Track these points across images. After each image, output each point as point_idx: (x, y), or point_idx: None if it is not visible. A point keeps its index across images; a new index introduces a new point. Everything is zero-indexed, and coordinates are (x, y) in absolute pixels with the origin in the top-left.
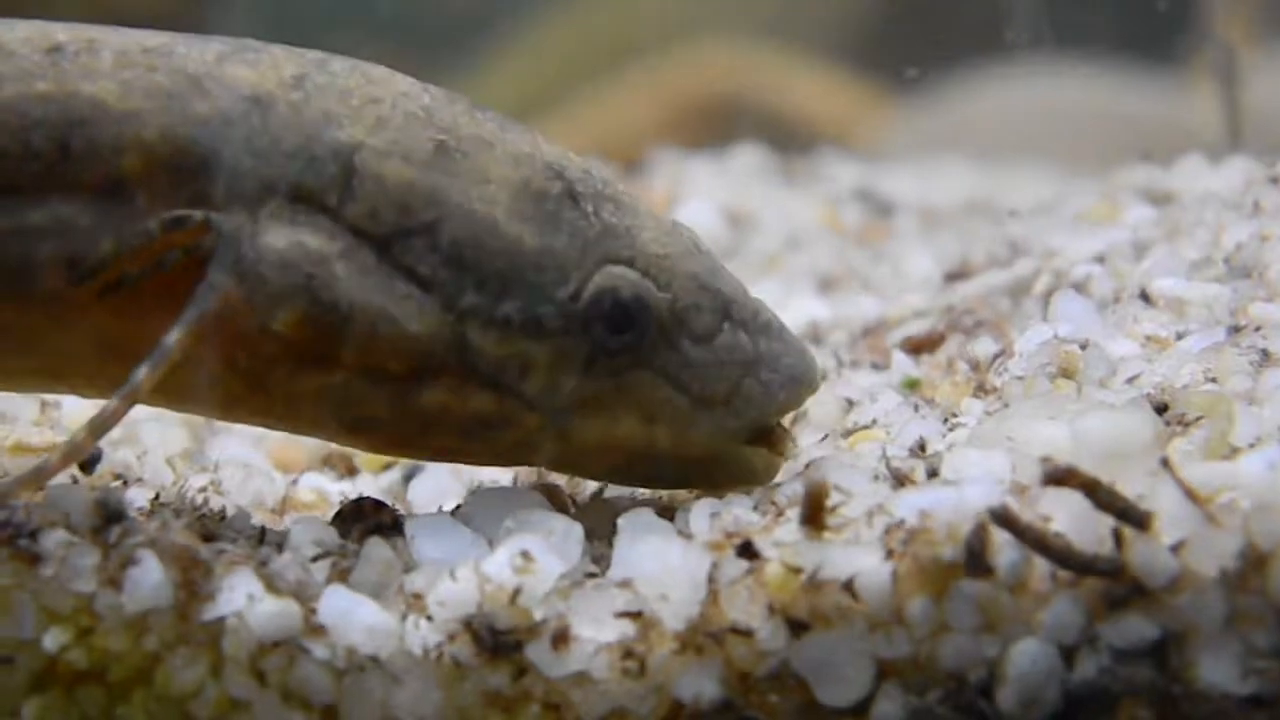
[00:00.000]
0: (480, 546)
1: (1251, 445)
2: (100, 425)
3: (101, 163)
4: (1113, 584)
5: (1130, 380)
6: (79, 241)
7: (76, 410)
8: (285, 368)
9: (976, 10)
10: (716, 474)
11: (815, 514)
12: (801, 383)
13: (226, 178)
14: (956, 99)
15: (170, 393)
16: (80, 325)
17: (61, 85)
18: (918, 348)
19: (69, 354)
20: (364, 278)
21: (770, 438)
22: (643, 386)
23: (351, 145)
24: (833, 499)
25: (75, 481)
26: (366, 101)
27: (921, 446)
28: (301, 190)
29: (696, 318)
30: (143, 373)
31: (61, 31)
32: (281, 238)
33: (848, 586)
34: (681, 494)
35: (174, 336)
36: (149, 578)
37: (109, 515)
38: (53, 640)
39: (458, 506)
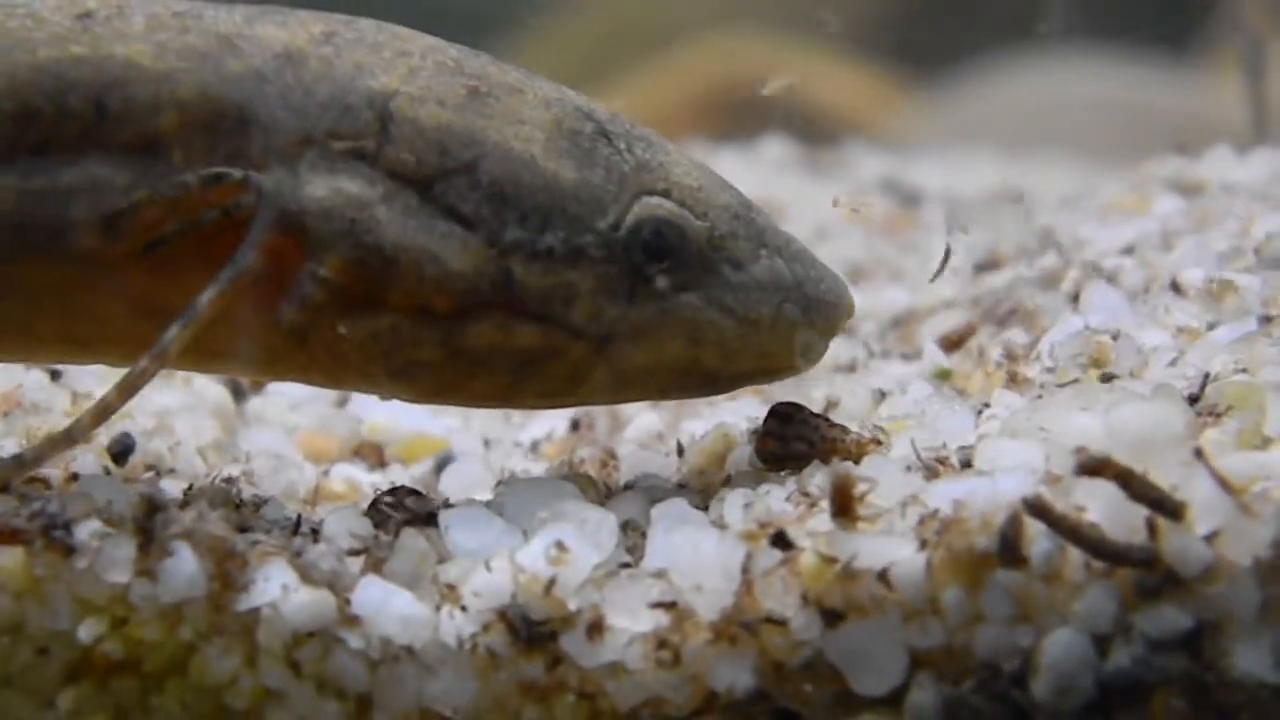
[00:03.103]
0: (514, 537)
1: None
2: (131, 384)
3: (137, 122)
4: (1146, 574)
5: (1168, 366)
6: (114, 201)
7: None
8: (332, 316)
9: (1003, 1)
10: (764, 377)
11: (845, 505)
12: (839, 306)
13: (263, 134)
14: (982, 90)
15: (208, 354)
16: (114, 287)
17: (96, 48)
18: (955, 344)
19: (101, 317)
20: (406, 219)
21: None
22: (687, 311)
23: (386, 93)
24: (865, 489)
25: (108, 473)
26: (397, 54)
27: (954, 437)
28: (338, 139)
29: (734, 245)
30: (174, 331)
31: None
32: (322, 187)
33: (882, 576)
34: (715, 484)
35: (209, 295)
36: (184, 569)
37: (153, 508)
38: (87, 631)
39: (491, 497)
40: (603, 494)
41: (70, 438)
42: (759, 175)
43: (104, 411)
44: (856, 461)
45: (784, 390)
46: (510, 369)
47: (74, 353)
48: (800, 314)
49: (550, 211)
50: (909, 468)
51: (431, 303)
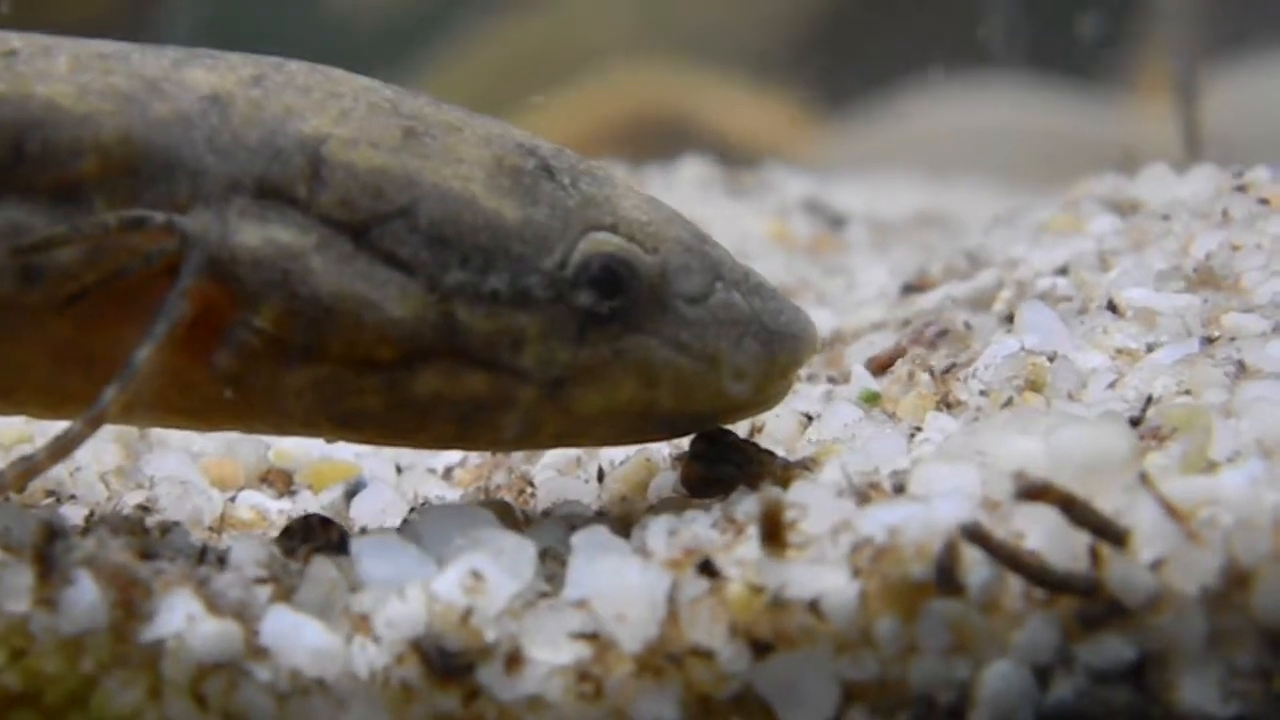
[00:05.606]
0: (428, 566)
1: (1230, 459)
2: (64, 447)
3: (58, 166)
4: (1089, 603)
5: (1107, 388)
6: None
7: (3, 423)
8: (270, 365)
9: (919, 29)
10: (726, 417)
11: (774, 532)
12: (801, 338)
13: (189, 179)
14: (895, 118)
15: (143, 407)
16: (36, 336)
17: (16, 87)
18: (883, 367)
19: (22, 365)
20: (342, 267)
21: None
22: (640, 350)
23: (317, 137)
24: (795, 516)
25: (7, 499)
26: (328, 95)
27: (886, 461)
28: (269, 185)
29: (687, 279)
30: (111, 393)
31: (16, 39)
32: (253, 235)
33: (813, 606)
34: (637, 511)
35: (144, 352)
36: (84, 598)
37: (53, 534)
38: None
39: (404, 524)
40: (520, 521)
41: None
42: (679, 196)
43: (31, 470)
44: (784, 487)
45: None
46: (458, 417)
47: None
48: (760, 348)
49: (493, 252)
50: (840, 493)
51: (373, 352)
